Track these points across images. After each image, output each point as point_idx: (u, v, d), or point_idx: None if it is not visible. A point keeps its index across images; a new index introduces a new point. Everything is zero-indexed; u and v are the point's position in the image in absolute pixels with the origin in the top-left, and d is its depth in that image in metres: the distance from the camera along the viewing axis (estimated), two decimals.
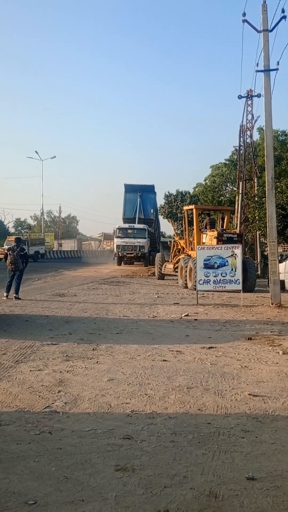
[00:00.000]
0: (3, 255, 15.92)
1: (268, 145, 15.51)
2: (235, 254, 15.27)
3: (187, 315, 12.58)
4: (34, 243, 48.20)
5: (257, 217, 25.10)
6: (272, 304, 14.68)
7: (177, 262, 22.96)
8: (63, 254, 61.37)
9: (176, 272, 22.64)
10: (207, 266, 15.31)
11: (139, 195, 36.97)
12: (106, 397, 5.80)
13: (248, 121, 31.21)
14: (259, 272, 26.23)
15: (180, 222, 44.86)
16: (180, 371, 7.05)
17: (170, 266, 24.33)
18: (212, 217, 23.33)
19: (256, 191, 28.83)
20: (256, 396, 5.92)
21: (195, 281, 16.21)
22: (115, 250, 35.23)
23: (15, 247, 15.96)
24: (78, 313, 12.71)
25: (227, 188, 47.29)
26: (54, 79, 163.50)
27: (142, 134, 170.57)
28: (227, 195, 45.24)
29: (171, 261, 24.57)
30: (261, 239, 29.85)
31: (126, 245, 33.84)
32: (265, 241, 24.39)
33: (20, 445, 4.37)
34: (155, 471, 3.88)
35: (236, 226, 29.89)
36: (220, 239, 19.21)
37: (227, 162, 46.69)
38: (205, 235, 21.12)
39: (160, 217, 55.63)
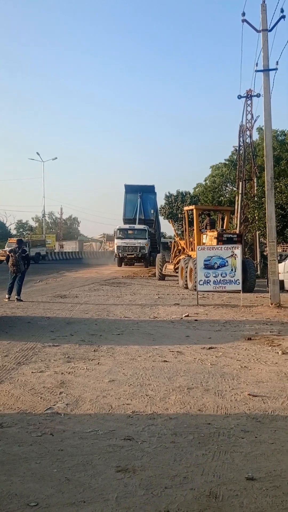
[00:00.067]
0: (4, 257, 15.91)
1: (267, 145, 15.54)
2: (235, 255, 15.30)
3: (187, 316, 12.61)
4: (35, 244, 48.28)
5: (256, 217, 25.15)
6: (271, 304, 14.71)
7: (177, 263, 22.98)
8: (64, 256, 61.43)
9: (177, 272, 22.66)
10: (207, 266, 15.34)
11: (140, 196, 36.98)
12: (107, 398, 5.84)
13: (247, 121, 31.25)
14: (258, 272, 26.25)
15: (180, 223, 45.00)
16: (180, 371, 7.09)
17: (170, 266, 24.36)
18: (212, 218, 23.37)
19: (255, 191, 28.86)
20: (256, 396, 5.96)
21: (196, 282, 16.24)
22: (115, 251, 35.23)
23: (17, 249, 15.98)
24: (80, 314, 12.75)
25: (227, 188, 47.35)
26: (54, 80, 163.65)
27: (143, 135, 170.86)
28: (227, 195, 45.29)
29: (172, 261, 24.60)
30: (260, 239, 29.87)
31: (126, 246, 33.86)
32: (265, 241, 24.44)
33: (22, 447, 4.41)
34: (156, 472, 3.92)
35: (236, 226, 29.92)
36: (220, 240, 19.24)
37: (227, 162, 46.74)
38: (205, 235, 21.15)
39: (161, 218, 55.70)
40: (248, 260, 21.17)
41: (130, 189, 37.65)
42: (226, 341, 9.44)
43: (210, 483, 3.75)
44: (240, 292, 15.58)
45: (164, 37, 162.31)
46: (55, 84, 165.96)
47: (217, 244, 18.49)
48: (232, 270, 15.24)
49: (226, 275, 15.26)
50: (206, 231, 21.25)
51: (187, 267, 20.20)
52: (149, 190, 38.40)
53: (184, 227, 24.77)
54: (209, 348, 8.74)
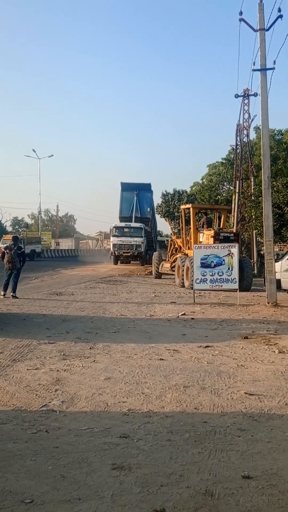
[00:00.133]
0: (0, 254, 15.85)
1: (264, 144, 15.53)
2: (232, 253, 15.29)
3: (184, 314, 12.60)
4: (31, 241, 48.07)
5: (253, 216, 25.12)
6: (268, 303, 14.72)
7: (174, 261, 22.97)
8: (60, 253, 61.33)
9: (173, 271, 22.65)
10: (204, 265, 15.33)
11: (136, 194, 36.87)
12: (103, 396, 5.82)
13: (244, 120, 31.20)
14: (255, 271, 26.25)
15: (177, 221, 44.90)
16: (176, 370, 7.08)
17: (167, 265, 24.34)
18: (209, 216, 23.35)
19: (252, 190, 28.83)
20: (252, 395, 5.95)
21: (192, 280, 16.23)
22: (111, 249, 35.16)
23: (13, 246, 15.93)
24: (75, 312, 12.72)
25: (224, 187, 47.32)
26: (52, 78, 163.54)
27: (139, 133, 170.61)
28: (224, 194, 45.25)
29: (168, 260, 24.58)
30: (257, 238, 29.86)
31: (122, 244, 33.78)
32: (262, 240, 24.43)
33: (17, 444, 4.38)
34: (152, 470, 3.90)
35: (233, 225, 29.91)
36: (217, 238, 19.23)
37: (224, 161, 46.71)
38: (202, 234, 21.14)
39: (157, 216, 55.67)
40: (245, 259, 21.18)
41: (127, 187, 37.54)
42: (222, 339, 9.43)
43: (206, 481, 3.74)
44: (236, 291, 15.59)
45: (162, 37, 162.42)
46: (52, 82, 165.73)
47: (214, 243, 18.48)
48: (228, 269, 15.24)
49: (222, 274, 15.26)
50: (203, 230, 21.24)
51: (183, 266, 20.19)
52: (145, 188, 38.28)
53: (181, 225, 24.70)
54: (206, 346, 8.73)
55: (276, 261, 15.78)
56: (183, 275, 20.24)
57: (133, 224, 34.80)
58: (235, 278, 15.30)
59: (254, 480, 3.77)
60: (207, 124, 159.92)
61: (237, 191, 30.80)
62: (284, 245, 35.02)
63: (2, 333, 9.61)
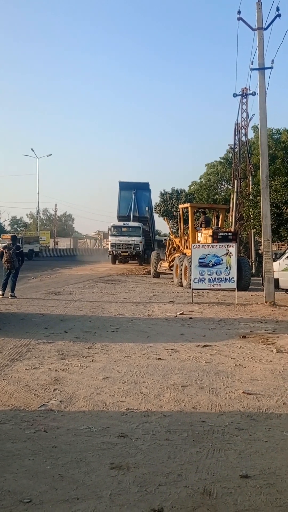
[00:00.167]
0: None
1: (262, 144, 15.54)
2: (230, 253, 15.32)
3: (182, 314, 12.62)
4: (29, 241, 48.00)
5: (251, 216, 25.11)
6: (266, 302, 14.74)
7: (172, 261, 22.98)
8: (58, 253, 61.31)
9: (171, 270, 22.66)
10: (202, 264, 15.35)
11: (134, 193, 36.82)
12: (101, 396, 5.83)
13: (243, 119, 31.24)
14: (253, 271, 26.27)
15: (175, 220, 44.97)
16: (175, 369, 7.09)
17: (165, 264, 24.35)
18: (207, 216, 23.37)
19: (250, 190, 28.83)
20: (250, 394, 5.97)
21: (190, 280, 16.25)
22: (109, 248, 35.12)
23: (11, 245, 15.93)
24: (74, 311, 12.72)
25: (222, 186, 47.32)
26: (51, 78, 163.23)
27: (138, 133, 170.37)
28: (222, 194, 45.24)
29: (167, 259, 24.60)
30: (255, 237, 29.87)
31: (120, 243, 33.74)
32: (260, 240, 24.44)
33: (15, 444, 4.39)
34: (150, 469, 3.91)
35: (231, 225, 29.93)
36: (215, 238, 19.26)
37: (222, 161, 46.68)
38: (200, 233, 21.16)
39: (156, 215, 55.66)
40: (243, 259, 21.20)
41: (125, 186, 37.50)
42: (220, 339, 9.45)
43: (204, 480, 3.75)
44: (235, 290, 15.60)
45: (161, 37, 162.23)
46: (51, 82, 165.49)
47: (212, 242, 18.51)
48: (227, 268, 15.26)
49: (221, 273, 15.28)
50: (201, 229, 21.26)
51: (182, 265, 20.20)
52: (143, 187, 38.24)
53: (179, 225, 24.72)
54: (204, 346, 8.74)
55: (274, 260, 15.81)
56: (181, 274, 20.25)
57: (131, 224, 34.76)
58: (233, 278, 15.32)
59: (252, 479, 3.78)
60: (205, 123, 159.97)
61: (235, 190, 30.82)
62: (282, 245, 35.01)
63: (0, 332, 9.61)
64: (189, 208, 21.99)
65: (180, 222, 23.68)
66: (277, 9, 15.04)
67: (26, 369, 6.98)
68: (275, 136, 35.82)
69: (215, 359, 7.75)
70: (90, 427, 4.82)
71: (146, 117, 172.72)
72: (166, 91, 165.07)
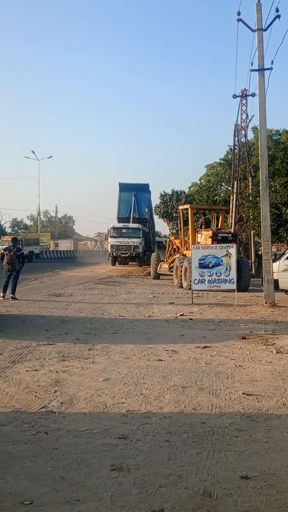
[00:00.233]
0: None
1: (262, 145, 15.57)
2: (230, 254, 15.34)
3: (182, 315, 12.63)
4: (29, 243, 47.90)
5: (251, 217, 25.14)
6: (266, 303, 14.75)
7: (172, 262, 23.00)
8: (59, 254, 61.31)
9: (172, 271, 22.68)
10: (202, 265, 15.36)
11: (134, 194, 36.81)
12: (101, 397, 5.84)
13: (242, 120, 31.25)
14: (253, 272, 26.29)
15: (175, 222, 44.95)
16: (175, 370, 7.10)
17: (165, 265, 24.37)
18: (207, 217, 23.39)
19: (250, 191, 28.85)
20: (250, 395, 5.98)
21: (190, 281, 16.27)
22: (109, 250, 35.10)
23: (12, 247, 15.96)
24: (74, 313, 12.74)
25: (222, 187, 47.32)
26: (51, 79, 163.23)
27: (138, 134, 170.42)
28: (222, 195, 45.25)
29: (167, 260, 24.61)
30: (255, 238, 29.88)
31: (120, 245, 33.71)
32: (259, 241, 24.45)
33: (16, 445, 4.40)
34: (150, 471, 3.93)
35: (231, 226, 29.95)
36: (215, 239, 19.27)
37: (222, 162, 46.71)
38: (200, 234, 21.17)
39: (156, 217, 55.61)
40: (243, 259, 21.22)
41: (125, 188, 37.49)
42: (220, 340, 9.46)
43: (204, 481, 3.76)
44: (234, 291, 15.61)
45: (161, 38, 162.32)
46: (51, 83, 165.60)
47: (212, 243, 18.53)
48: (226, 269, 15.28)
49: (220, 274, 15.30)
50: (201, 230, 21.28)
51: (182, 266, 20.22)
52: (143, 189, 38.24)
53: (179, 226, 24.74)
54: (204, 347, 8.76)
55: (274, 261, 15.83)
56: (181, 275, 20.27)
57: (131, 225, 34.74)
58: (233, 279, 15.34)
59: (252, 480, 3.80)
60: (205, 124, 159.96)
61: (235, 191, 30.84)
62: (282, 245, 35.03)
63: (1, 334, 9.62)
64: (189, 209, 22.02)
65: (180, 223, 23.70)
66: (277, 10, 15.09)
67: (27, 371, 7.00)
68: (275, 137, 35.89)
69: (215, 360, 7.76)
70: (90, 428, 4.83)
71: (146, 118, 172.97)
72: (166, 92, 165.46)
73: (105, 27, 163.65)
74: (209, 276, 15.30)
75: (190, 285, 16.54)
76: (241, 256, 26.05)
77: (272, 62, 19.75)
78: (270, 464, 4.09)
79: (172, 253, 24.15)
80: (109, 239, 34.70)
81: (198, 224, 22.24)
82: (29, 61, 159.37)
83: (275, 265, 15.47)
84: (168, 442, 4.52)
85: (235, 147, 31.89)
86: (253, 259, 29.12)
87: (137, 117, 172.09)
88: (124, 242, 33.54)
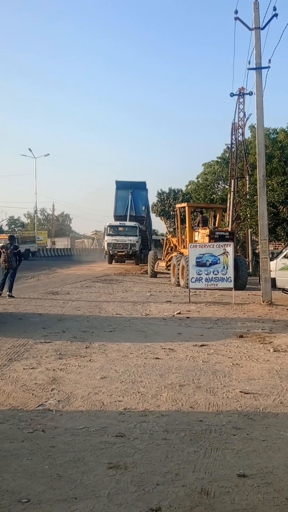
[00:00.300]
0: None
1: (259, 143, 15.57)
2: (227, 252, 15.34)
3: (179, 313, 12.63)
4: (25, 241, 47.75)
5: (248, 215, 25.12)
6: (263, 302, 14.76)
7: (169, 260, 23.01)
8: (56, 252, 61.25)
9: (169, 270, 22.69)
10: (199, 264, 15.37)
11: (131, 192, 36.70)
12: (99, 395, 5.84)
13: (240, 119, 31.22)
14: (250, 270, 26.29)
15: (172, 220, 44.92)
16: (172, 369, 7.10)
17: (162, 264, 24.37)
18: (204, 215, 23.39)
19: (247, 189, 28.83)
20: (247, 393, 5.98)
21: (187, 279, 16.27)
22: (105, 248, 35.04)
23: (9, 245, 15.93)
24: (71, 311, 12.73)
25: (219, 186, 47.29)
26: (47, 77, 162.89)
27: (135, 132, 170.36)
28: (219, 193, 45.23)
29: (164, 259, 24.61)
30: (252, 237, 29.90)
31: (117, 243, 33.64)
32: (257, 239, 24.48)
33: (13, 443, 4.40)
34: (148, 469, 3.93)
35: (228, 224, 29.95)
36: (212, 237, 19.28)
37: (219, 160, 46.65)
38: (197, 233, 21.18)
39: (153, 215, 55.61)
40: (240, 258, 21.22)
41: (121, 186, 37.38)
42: (218, 338, 9.47)
43: (201, 480, 3.76)
44: (232, 290, 15.63)
45: (160, 40, 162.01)
46: (48, 81, 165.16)
47: (209, 241, 18.54)
48: (224, 267, 15.28)
49: (218, 272, 15.30)
50: (198, 229, 21.29)
51: (179, 265, 20.22)
52: (140, 187, 38.14)
53: (176, 224, 24.72)
54: (201, 345, 8.76)
55: (271, 259, 15.83)
56: (178, 274, 20.28)
57: (128, 223, 34.66)
58: (230, 277, 15.35)
59: (250, 478, 3.80)
60: (202, 122, 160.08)
61: (232, 190, 30.81)
62: (279, 244, 35.06)
63: None
64: (186, 208, 22.02)
65: (177, 221, 23.68)
66: (274, 9, 15.04)
67: (24, 368, 6.99)
68: (272, 136, 35.85)
69: (212, 359, 7.77)
70: (88, 426, 4.83)
71: (143, 116, 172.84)
72: (163, 90, 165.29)
73: (107, 27, 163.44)
74: (206, 274, 15.30)
75: (187, 283, 16.53)
76: (238, 254, 26.06)
77: (269, 60, 19.68)
78: (268, 462, 4.10)
79: (169, 251, 24.16)
80: (106, 237, 34.60)
81: (196, 223, 22.23)
82: (28, 61, 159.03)
83: (273, 264, 15.48)
84: (165, 440, 4.52)
85: (233, 145, 31.87)
86: (250, 258, 29.13)
87: (134, 115, 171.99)
88: (121, 240, 33.47)
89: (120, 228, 34.13)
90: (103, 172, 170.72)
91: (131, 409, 5.39)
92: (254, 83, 15.61)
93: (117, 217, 36.57)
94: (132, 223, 34.55)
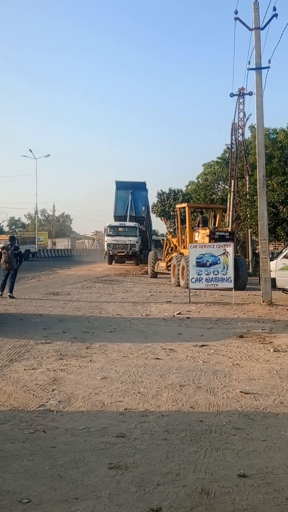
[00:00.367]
0: None
1: (259, 143, 15.58)
2: (227, 252, 15.35)
3: (179, 313, 12.64)
4: (25, 241, 47.78)
5: (248, 215, 25.12)
6: (263, 302, 14.77)
7: (169, 261, 23.02)
8: (56, 253, 61.29)
9: (169, 270, 22.70)
10: (200, 264, 15.38)
11: (131, 192, 36.67)
12: (99, 396, 5.85)
13: (240, 119, 31.21)
14: (250, 270, 26.30)
15: (172, 220, 44.92)
16: (172, 369, 7.11)
17: (162, 264, 24.38)
18: (204, 215, 23.39)
19: (247, 189, 28.82)
20: (248, 393, 5.99)
21: (188, 279, 16.28)
22: (105, 248, 35.01)
23: (10, 246, 15.95)
24: (72, 311, 12.74)
25: (219, 186, 47.27)
26: (47, 77, 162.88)
27: (136, 132, 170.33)
28: (219, 193, 45.19)
29: (164, 259, 24.62)
30: (252, 237, 29.90)
31: (117, 244, 33.61)
32: (257, 239, 24.48)
33: (14, 444, 4.41)
34: (148, 469, 3.94)
35: (228, 224, 29.95)
36: (212, 237, 19.29)
37: (219, 160, 46.62)
38: (197, 233, 21.19)
39: (153, 215, 55.57)
40: (240, 258, 21.23)
41: (121, 186, 37.36)
42: (218, 338, 9.48)
43: (202, 480, 3.77)
44: (232, 290, 15.64)
45: (162, 37, 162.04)
46: (49, 82, 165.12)
47: (209, 242, 18.54)
48: (224, 268, 15.29)
49: (218, 273, 15.31)
50: (198, 229, 21.29)
51: (179, 265, 20.23)
52: (140, 187, 38.12)
53: (176, 225, 24.74)
54: (201, 345, 8.77)
55: (271, 260, 15.84)
56: (178, 274, 20.29)
57: (128, 223, 34.63)
58: (230, 277, 15.36)
59: (250, 478, 3.81)
60: (202, 123, 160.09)
61: (232, 190, 30.81)
62: (279, 244, 35.06)
63: None
64: (186, 208, 22.03)
65: (177, 222, 23.69)
66: (274, 9, 15.06)
67: (24, 369, 7.00)
68: (272, 136, 35.85)
69: (212, 359, 7.78)
70: (88, 427, 4.84)
71: (143, 116, 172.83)
72: (163, 90, 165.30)
73: (106, 27, 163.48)
74: (206, 274, 15.31)
75: (187, 283, 16.54)
76: (239, 254, 26.07)
77: (269, 60, 19.66)
78: (268, 462, 4.11)
79: (170, 251, 24.17)
80: (106, 238, 34.58)
81: (196, 223, 22.23)
82: (28, 60, 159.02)
83: (273, 264, 15.49)
84: (165, 440, 4.53)
85: (233, 145, 31.87)
86: (250, 258, 29.13)
87: (134, 115, 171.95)
88: (121, 241, 33.45)
89: (120, 229, 34.12)
90: (103, 172, 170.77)
91: (131, 409, 5.40)
92: (254, 83, 15.63)
93: (117, 218, 36.55)
94: (132, 224, 34.54)
